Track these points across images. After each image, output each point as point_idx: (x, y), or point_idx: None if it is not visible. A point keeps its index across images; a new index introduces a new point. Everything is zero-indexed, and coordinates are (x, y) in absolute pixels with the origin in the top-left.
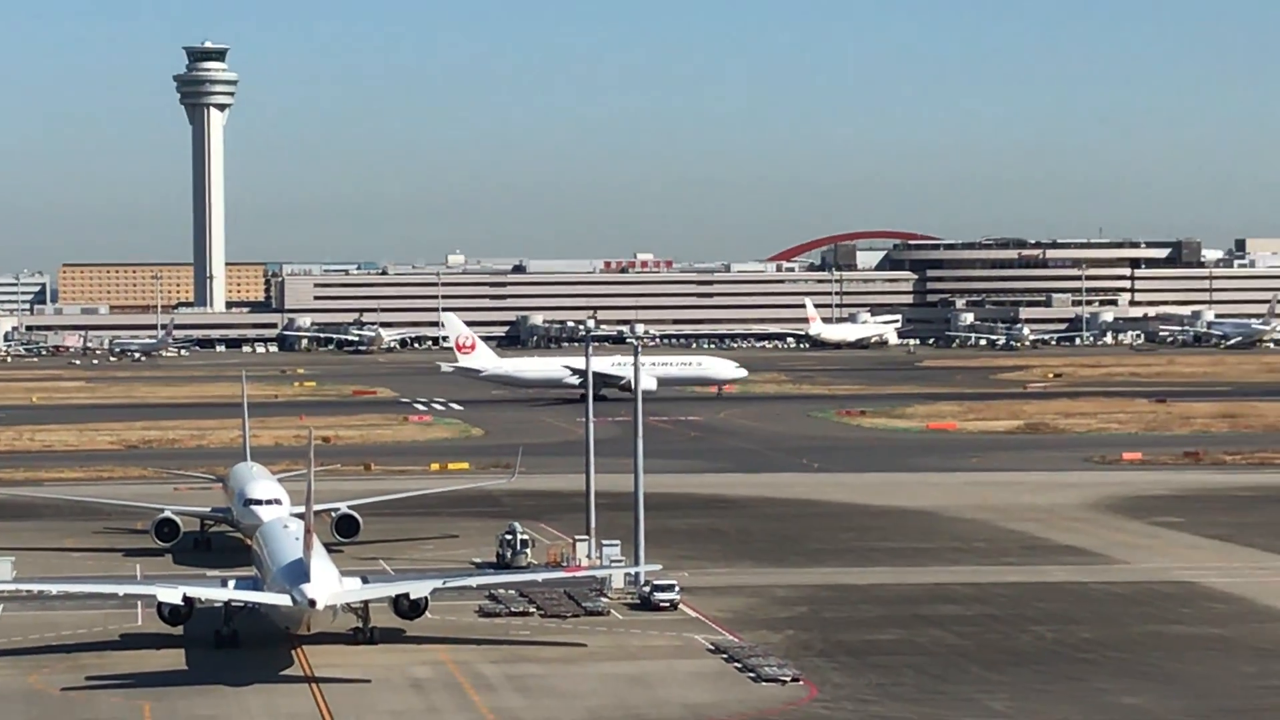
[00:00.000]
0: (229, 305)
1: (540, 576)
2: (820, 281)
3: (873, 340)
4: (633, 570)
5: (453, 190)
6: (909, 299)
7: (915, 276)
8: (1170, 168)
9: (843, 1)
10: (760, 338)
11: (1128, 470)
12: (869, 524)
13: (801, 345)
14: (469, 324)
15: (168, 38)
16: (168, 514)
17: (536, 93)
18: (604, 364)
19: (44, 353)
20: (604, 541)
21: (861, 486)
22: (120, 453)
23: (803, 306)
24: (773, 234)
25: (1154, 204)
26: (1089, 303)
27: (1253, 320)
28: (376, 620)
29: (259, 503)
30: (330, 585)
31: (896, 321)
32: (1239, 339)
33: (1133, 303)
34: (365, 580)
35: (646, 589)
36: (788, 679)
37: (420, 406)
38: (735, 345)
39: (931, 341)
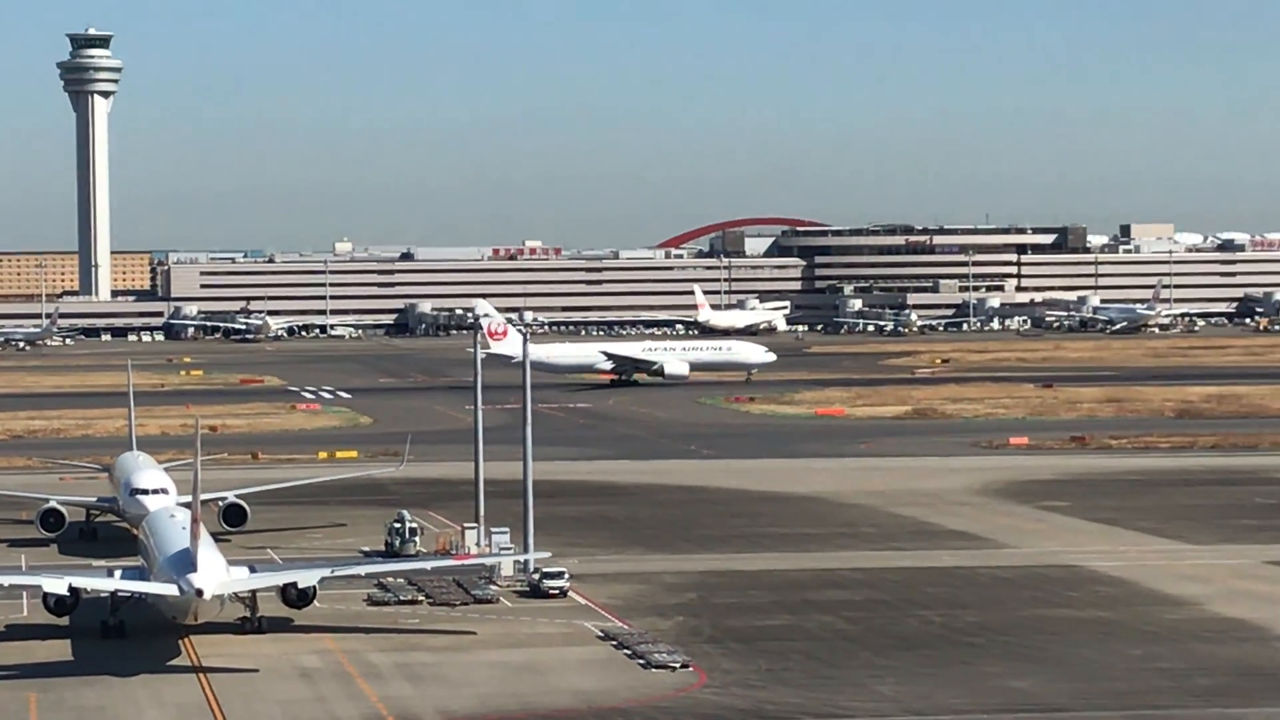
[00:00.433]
0: (114, 294)
1: (429, 564)
2: (709, 268)
3: (761, 327)
4: (522, 558)
5: (340, 178)
6: (797, 285)
7: (804, 263)
8: (1056, 155)
9: None
10: (649, 324)
11: (1014, 455)
12: (758, 510)
13: (690, 332)
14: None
15: (52, 25)
16: (53, 504)
17: (421, 81)
18: (635, 349)
19: None
20: (493, 529)
21: (750, 472)
22: (4, 442)
23: (692, 293)
24: (662, 221)
25: (1040, 191)
26: (976, 288)
27: (1138, 305)
28: (265, 609)
29: (145, 492)
30: (217, 575)
31: (785, 308)
32: (1124, 324)
33: (1019, 288)
34: (253, 569)
35: (536, 576)
36: (677, 665)
37: (308, 395)
38: (624, 332)
39: (820, 328)
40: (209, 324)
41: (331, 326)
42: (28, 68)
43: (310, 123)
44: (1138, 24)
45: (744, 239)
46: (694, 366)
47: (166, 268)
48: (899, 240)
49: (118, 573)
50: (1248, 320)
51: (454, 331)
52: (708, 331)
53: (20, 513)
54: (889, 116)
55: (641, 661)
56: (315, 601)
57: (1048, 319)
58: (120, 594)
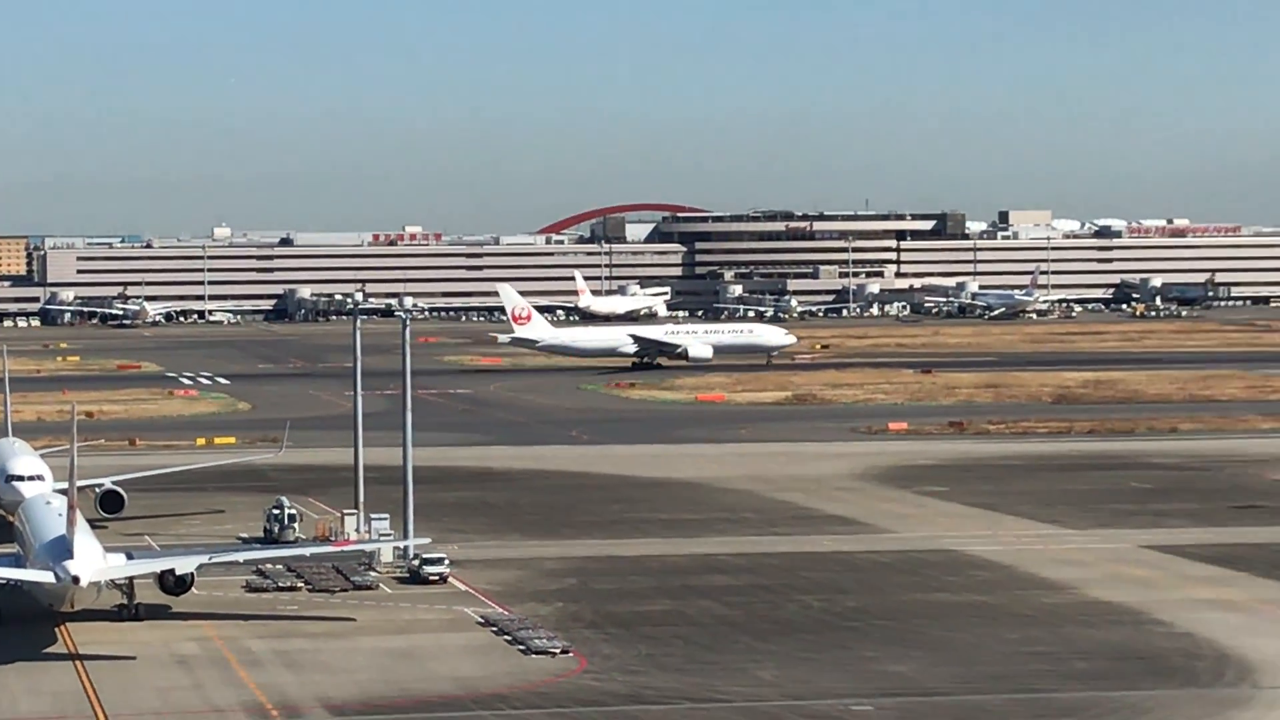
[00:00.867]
0: None
1: (308, 551)
2: (590, 254)
3: (642, 312)
4: (402, 544)
5: (219, 162)
6: (678, 271)
7: (684, 249)
8: (935, 141)
9: None
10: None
11: (894, 440)
12: (638, 496)
13: (571, 318)
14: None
15: None
16: None
17: (301, 65)
18: (658, 332)
19: None
20: (373, 515)
21: (631, 458)
22: None
23: (572, 279)
24: (542, 207)
25: (919, 177)
26: (856, 275)
27: (1016, 291)
28: (142, 597)
29: (21, 479)
30: (94, 562)
31: (666, 294)
32: (1002, 310)
33: (899, 274)
34: (130, 556)
35: (415, 562)
36: (557, 651)
37: (186, 380)
38: (504, 318)
39: (700, 313)
40: (86, 309)
41: (210, 312)
42: None
43: (188, 107)
44: (1015, 9)
45: (625, 225)
46: (717, 349)
47: (43, 253)
48: (779, 226)
49: None
50: (1124, 306)
51: (334, 317)
52: (588, 317)
53: None
54: (769, 103)
55: (521, 647)
56: (193, 588)
57: (927, 305)
58: None
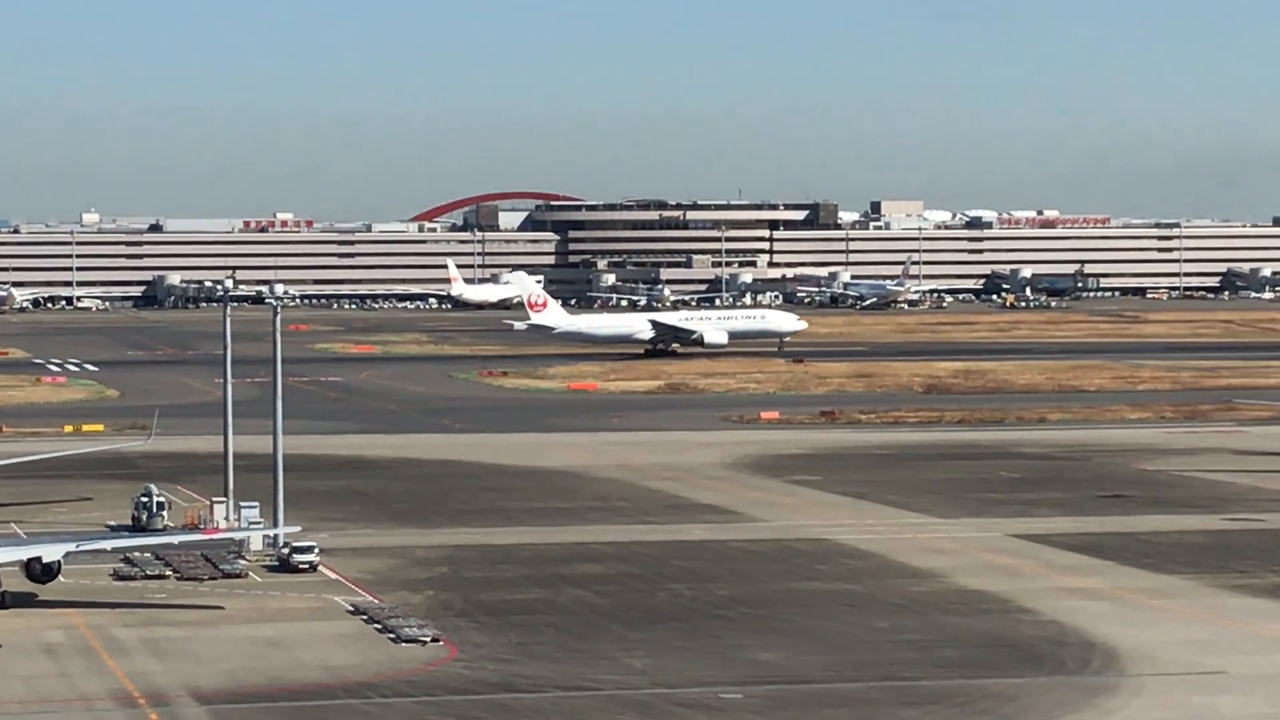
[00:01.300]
0: None
1: (177, 539)
2: (463, 242)
3: (515, 301)
4: (271, 532)
5: (87, 147)
6: (551, 260)
7: (557, 237)
8: (808, 131)
9: None
10: (402, 298)
11: (765, 429)
12: (510, 484)
13: (444, 306)
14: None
15: None
16: None
17: (169, 51)
18: (674, 319)
19: None
20: (242, 503)
21: (503, 447)
22: None
23: (445, 267)
24: (415, 194)
25: (792, 167)
26: (729, 264)
27: (887, 281)
28: (8, 585)
29: None
30: None
31: (539, 282)
32: (874, 300)
33: (771, 264)
34: None
35: (285, 551)
36: (428, 639)
37: (54, 367)
38: (377, 305)
39: (574, 302)
40: None
41: (78, 298)
42: None
43: (56, 91)
44: (879, 4)
45: (498, 213)
46: (731, 335)
47: None
48: (653, 215)
49: None
50: (994, 297)
51: (203, 304)
52: (461, 305)
53: None
54: (643, 93)
55: (392, 636)
56: (60, 576)
57: (799, 294)
58: None
